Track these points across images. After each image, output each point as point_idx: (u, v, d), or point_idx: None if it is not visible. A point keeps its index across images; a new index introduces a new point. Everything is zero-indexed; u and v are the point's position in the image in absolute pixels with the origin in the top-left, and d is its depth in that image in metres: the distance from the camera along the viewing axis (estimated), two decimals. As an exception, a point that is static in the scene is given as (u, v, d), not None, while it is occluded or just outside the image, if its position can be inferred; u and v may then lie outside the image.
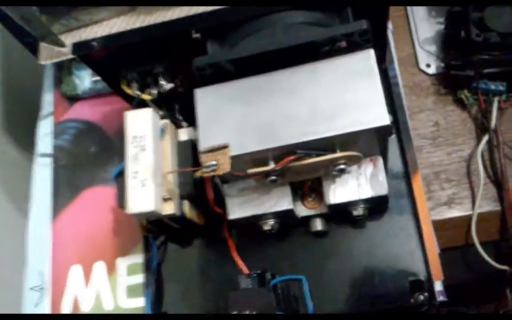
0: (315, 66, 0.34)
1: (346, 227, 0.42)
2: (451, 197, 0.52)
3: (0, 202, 0.57)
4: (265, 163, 0.35)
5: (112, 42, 0.35)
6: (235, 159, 0.34)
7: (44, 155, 0.50)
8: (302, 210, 0.40)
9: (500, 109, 0.52)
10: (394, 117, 0.43)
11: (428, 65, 0.56)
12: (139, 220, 0.36)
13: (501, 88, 0.50)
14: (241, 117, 0.35)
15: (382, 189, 0.36)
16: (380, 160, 0.37)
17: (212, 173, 0.34)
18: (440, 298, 0.45)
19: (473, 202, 0.51)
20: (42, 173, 0.49)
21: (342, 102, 0.33)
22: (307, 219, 0.41)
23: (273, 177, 0.35)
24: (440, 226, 0.52)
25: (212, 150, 0.34)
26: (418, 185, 0.41)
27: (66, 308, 0.44)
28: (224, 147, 0.34)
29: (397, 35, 0.56)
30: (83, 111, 0.51)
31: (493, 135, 0.50)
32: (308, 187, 0.40)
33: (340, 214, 0.39)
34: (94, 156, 0.48)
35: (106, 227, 0.46)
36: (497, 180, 0.51)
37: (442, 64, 0.54)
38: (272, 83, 0.35)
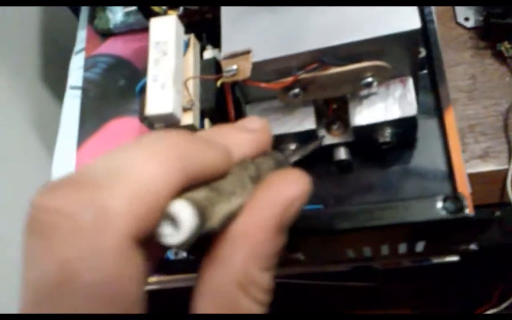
0: (344, -25, 0.34)
1: (371, 161, 0.40)
2: (485, 150, 0.49)
3: (35, 140, 0.59)
4: (289, 76, 0.34)
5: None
6: (257, 66, 0.33)
7: (74, 87, 0.50)
8: (326, 139, 0.39)
9: (544, 62, 0.50)
10: (429, 53, 0.41)
11: (467, 19, 0.53)
12: (157, 128, 0.36)
13: (545, 37, 0.48)
14: (265, 25, 0.34)
15: (411, 109, 0.35)
16: (410, 80, 0.35)
17: (232, 79, 0.33)
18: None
19: (510, 157, 0.48)
20: (71, 105, 0.50)
21: (372, 9, 0.32)
22: (331, 149, 0.39)
23: (296, 90, 0.34)
24: (473, 180, 0.49)
25: (234, 55, 0.34)
26: (450, 120, 0.39)
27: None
28: (246, 52, 0.33)
29: (435, -12, 0.55)
30: (114, 46, 0.51)
31: (534, 87, 0.48)
32: (333, 111, 0.38)
33: (365, 142, 0.38)
34: (122, 89, 0.49)
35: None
36: (537, 135, 0.48)
37: (481, 18, 0.52)
38: (299, -8, 0.34)
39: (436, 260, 0.45)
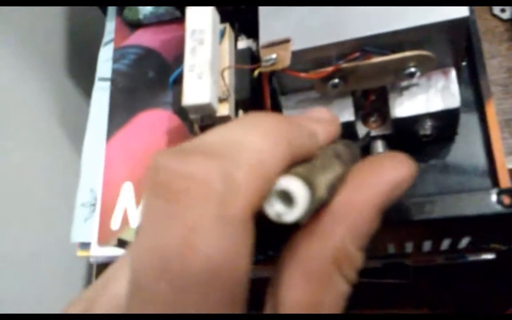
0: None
1: (409, 154, 0.39)
2: (523, 146, 0.48)
3: (62, 132, 0.59)
4: (328, 66, 0.33)
5: None
6: (296, 55, 0.32)
7: (102, 79, 0.50)
8: (363, 131, 0.38)
9: None
10: (469, 44, 0.40)
11: (503, 10, 0.52)
12: (192, 118, 0.35)
13: None
14: (304, 12, 0.33)
15: (454, 101, 0.34)
16: (452, 72, 0.34)
17: (270, 68, 0.32)
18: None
19: (549, 153, 0.47)
20: (100, 96, 0.49)
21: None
22: (368, 142, 0.38)
23: (336, 80, 0.33)
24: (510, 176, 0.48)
25: (273, 44, 0.33)
26: (491, 113, 0.38)
27: (115, 224, 0.44)
28: (286, 41, 0.33)
29: (470, -22, 0.53)
30: (143, 38, 0.51)
31: None
32: (371, 102, 0.37)
33: (404, 134, 0.37)
34: (151, 80, 0.48)
35: (160, 147, 0.45)
36: None
37: (519, 9, 0.51)
38: (340, -21, 0.33)
39: (472, 258, 0.44)
